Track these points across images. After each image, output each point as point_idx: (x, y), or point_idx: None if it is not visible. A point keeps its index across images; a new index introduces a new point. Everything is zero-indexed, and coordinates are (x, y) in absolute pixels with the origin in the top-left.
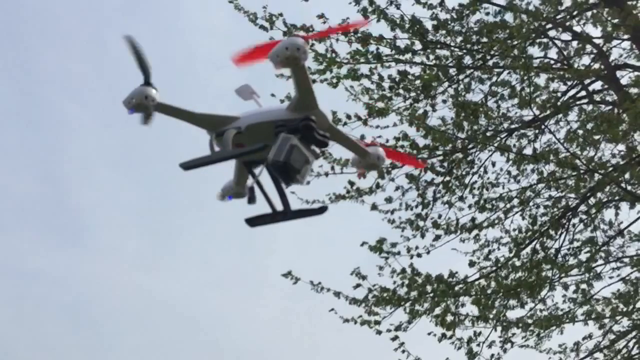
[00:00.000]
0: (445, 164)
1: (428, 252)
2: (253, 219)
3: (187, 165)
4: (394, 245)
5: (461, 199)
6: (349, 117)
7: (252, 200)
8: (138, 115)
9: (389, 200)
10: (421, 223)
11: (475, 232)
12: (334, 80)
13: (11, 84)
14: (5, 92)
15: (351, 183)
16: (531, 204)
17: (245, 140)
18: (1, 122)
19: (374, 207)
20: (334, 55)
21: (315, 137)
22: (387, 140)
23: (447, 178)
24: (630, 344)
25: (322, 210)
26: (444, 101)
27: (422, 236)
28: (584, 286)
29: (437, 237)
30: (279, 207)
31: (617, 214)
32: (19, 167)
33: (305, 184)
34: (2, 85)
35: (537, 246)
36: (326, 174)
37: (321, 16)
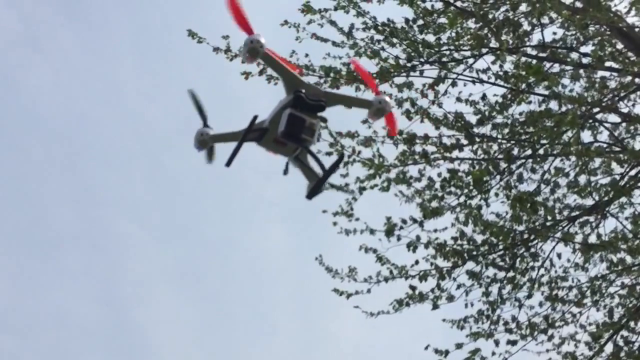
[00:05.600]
0: (507, 259)
1: None
2: (309, 194)
3: (228, 163)
4: (459, 346)
5: (529, 296)
6: (404, 221)
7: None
8: (204, 154)
9: (450, 299)
10: (487, 325)
11: (550, 331)
12: (385, 184)
13: (73, 209)
14: (68, 217)
15: (412, 287)
16: (604, 293)
17: (275, 132)
18: (64, 246)
19: (435, 306)
20: (381, 159)
21: (310, 104)
22: (445, 241)
23: (511, 273)
24: None
25: (340, 159)
26: (497, 194)
27: (497, 344)
28: None
29: (513, 343)
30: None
31: None
32: (80, 290)
33: (315, 142)
34: (65, 210)
35: (619, 340)
36: (386, 280)
37: (365, 121)
